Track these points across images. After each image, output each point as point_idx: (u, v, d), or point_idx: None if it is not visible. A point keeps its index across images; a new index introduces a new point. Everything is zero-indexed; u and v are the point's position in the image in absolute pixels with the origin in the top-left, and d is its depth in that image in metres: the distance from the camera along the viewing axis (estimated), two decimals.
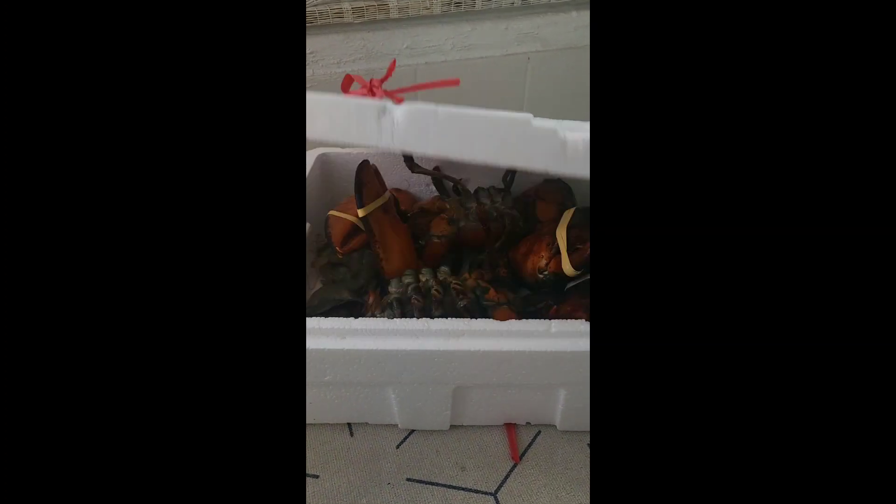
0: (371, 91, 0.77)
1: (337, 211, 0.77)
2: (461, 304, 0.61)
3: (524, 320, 0.53)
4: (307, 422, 0.63)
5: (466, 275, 0.67)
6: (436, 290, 0.62)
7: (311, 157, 0.84)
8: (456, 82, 0.74)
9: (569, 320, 0.53)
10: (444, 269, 0.67)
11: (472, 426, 0.64)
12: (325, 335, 0.53)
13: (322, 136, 0.44)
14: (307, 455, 0.60)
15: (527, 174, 0.87)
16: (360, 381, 0.55)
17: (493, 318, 0.59)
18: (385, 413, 0.62)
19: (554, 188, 0.82)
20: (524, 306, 0.64)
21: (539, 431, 0.63)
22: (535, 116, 0.41)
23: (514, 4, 1.04)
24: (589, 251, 0.64)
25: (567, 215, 0.70)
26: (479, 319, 0.53)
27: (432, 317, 0.61)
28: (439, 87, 0.76)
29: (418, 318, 0.60)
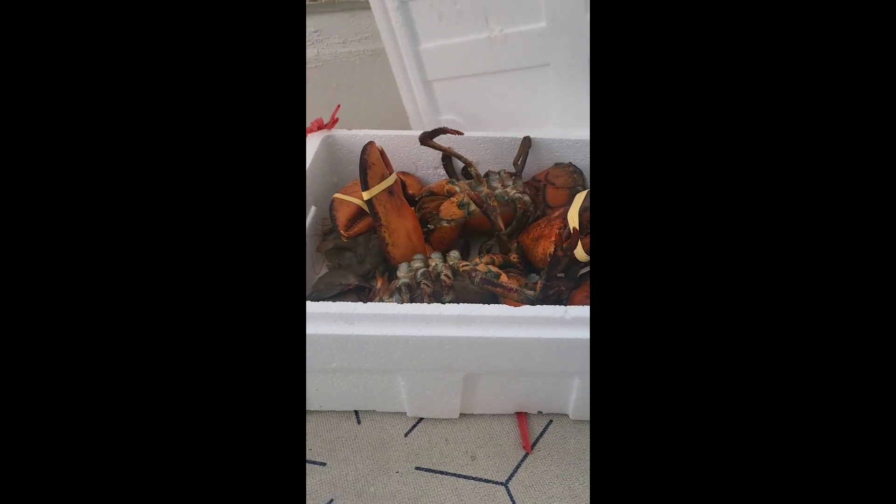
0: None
1: (342, 194, 0.75)
2: (476, 279, 0.59)
3: (538, 307, 0.52)
4: (313, 408, 0.62)
5: (477, 259, 0.66)
6: (446, 275, 0.60)
7: (316, 138, 0.82)
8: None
9: (585, 306, 0.52)
10: (453, 254, 0.65)
11: (482, 415, 0.62)
12: (332, 321, 0.51)
13: None
14: (314, 442, 0.59)
15: (537, 158, 0.85)
16: (368, 367, 0.54)
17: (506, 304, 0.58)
18: (393, 400, 0.60)
19: (564, 172, 0.80)
20: (543, 295, 0.62)
21: (551, 421, 0.62)
22: None
23: None
24: None
25: (579, 198, 0.67)
26: (491, 305, 0.51)
27: (443, 303, 0.59)
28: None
29: (428, 304, 0.59)
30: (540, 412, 0.62)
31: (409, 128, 1.11)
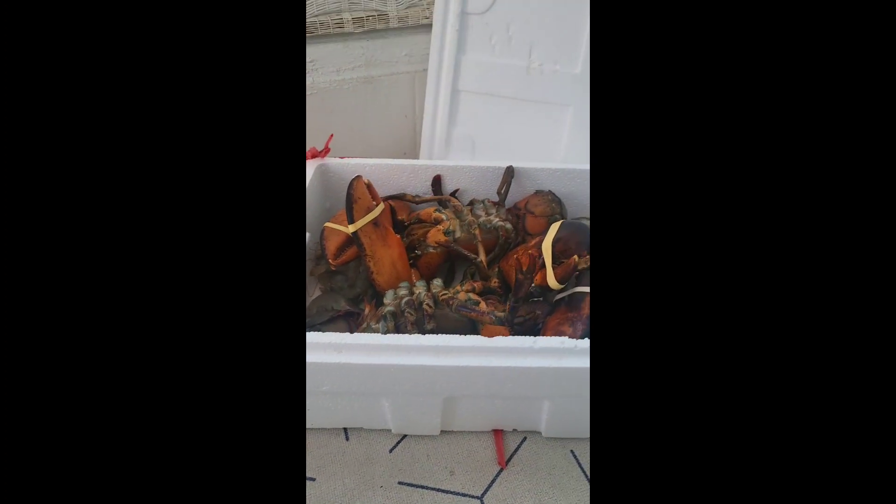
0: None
1: (332, 223, 0.80)
2: (454, 306, 0.64)
3: (510, 337, 0.57)
4: (306, 426, 0.67)
5: (459, 287, 0.71)
6: (427, 304, 0.65)
7: (311, 166, 0.87)
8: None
9: (552, 337, 0.57)
10: (436, 282, 0.70)
11: (461, 432, 0.67)
12: (323, 350, 0.56)
13: None
14: (305, 458, 0.64)
15: (519, 185, 0.90)
16: (355, 391, 0.59)
17: (483, 333, 0.63)
18: (379, 419, 0.65)
19: (543, 200, 0.85)
20: (511, 317, 0.67)
21: (525, 438, 0.67)
22: None
23: None
24: (573, 265, 0.67)
25: (553, 229, 0.72)
26: (467, 336, 0.56)
27: (425, 329, 0.64)
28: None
29: (411, 330, 0.64)
30: (515, 430, 0.67)
31: (401, 150, 1.16)
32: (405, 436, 0.67)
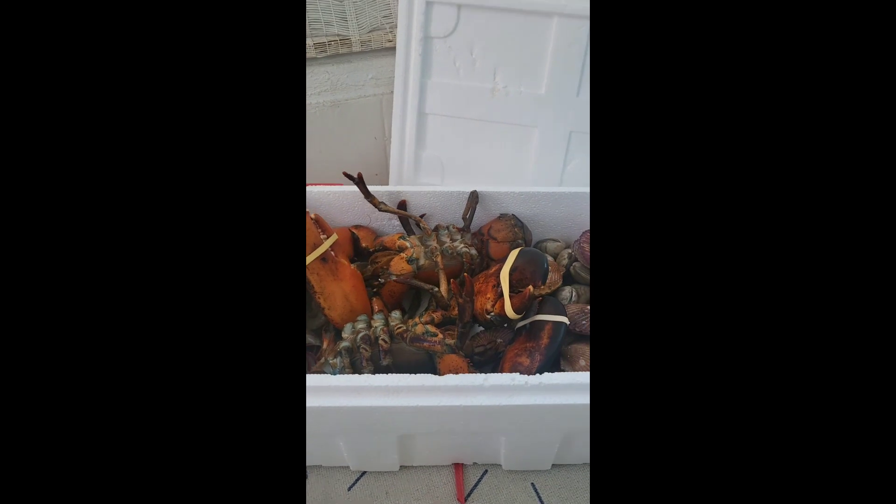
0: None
1: None
2: (408, 339, 0.64)
3: (460, 375, 0.56)
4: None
5: (417, 319, 0.70)
6: (383, 339, 0.65)
7: None
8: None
9: (503, 374, 0.56)
10: (395, 314, 0.69)
11: (422, 466, 0.67)
12: None
13: None
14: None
15: (485, 209, 0.90)
16: (310, 432, 0.58)
17: (439, 363, 0.62)
18: (337, 457, 0.65)
19: (506, 225, 0.85)
20: (461, 343, 0.66)
21: (486, 471, 0.66)
22: None
23: None
24: (528, 295, 0.67)
25: (511, 257, 0.72)
26: (417, 375, 0.56)
27: (380, 365, 0.64)
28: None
29: (366, 366, 0.63)
30: (475, 463, 0.67)
31: (372, 171, 1.16)
32: (364, 472, 0.66)
